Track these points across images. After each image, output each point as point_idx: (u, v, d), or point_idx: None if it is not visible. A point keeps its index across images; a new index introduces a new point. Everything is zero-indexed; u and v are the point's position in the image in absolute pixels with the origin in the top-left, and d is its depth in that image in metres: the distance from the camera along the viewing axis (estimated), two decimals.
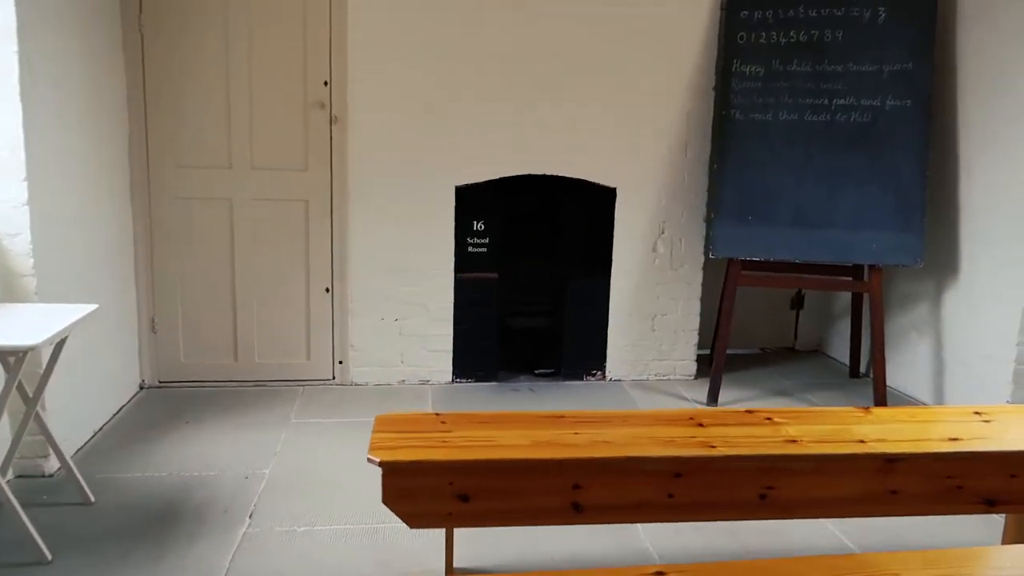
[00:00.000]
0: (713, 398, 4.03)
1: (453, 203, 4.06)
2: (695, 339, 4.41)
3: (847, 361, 4.76)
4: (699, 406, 4.03)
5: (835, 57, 3.91)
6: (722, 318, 4.02)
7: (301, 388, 4.10)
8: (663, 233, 4.26)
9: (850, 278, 4.34)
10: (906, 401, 4.18)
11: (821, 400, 4.14)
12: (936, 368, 4.05)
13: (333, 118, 3.93)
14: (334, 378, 4.17)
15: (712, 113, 4.18)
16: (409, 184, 4.01)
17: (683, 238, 4.28)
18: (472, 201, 4.12)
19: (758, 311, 4.94)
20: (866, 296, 4.38)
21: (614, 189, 4.18)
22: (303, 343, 4.13)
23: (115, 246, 3.66)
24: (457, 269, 4.13)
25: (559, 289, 4.33)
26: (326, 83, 3.90)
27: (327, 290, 4.09)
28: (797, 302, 5.05)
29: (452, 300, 4.15)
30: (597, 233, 4.31)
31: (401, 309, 4.12)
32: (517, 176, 4.08)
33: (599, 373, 4.35)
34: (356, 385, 4.16)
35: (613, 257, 4.25)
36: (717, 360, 4.03)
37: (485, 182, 4.07)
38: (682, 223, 4.26)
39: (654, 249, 4.27)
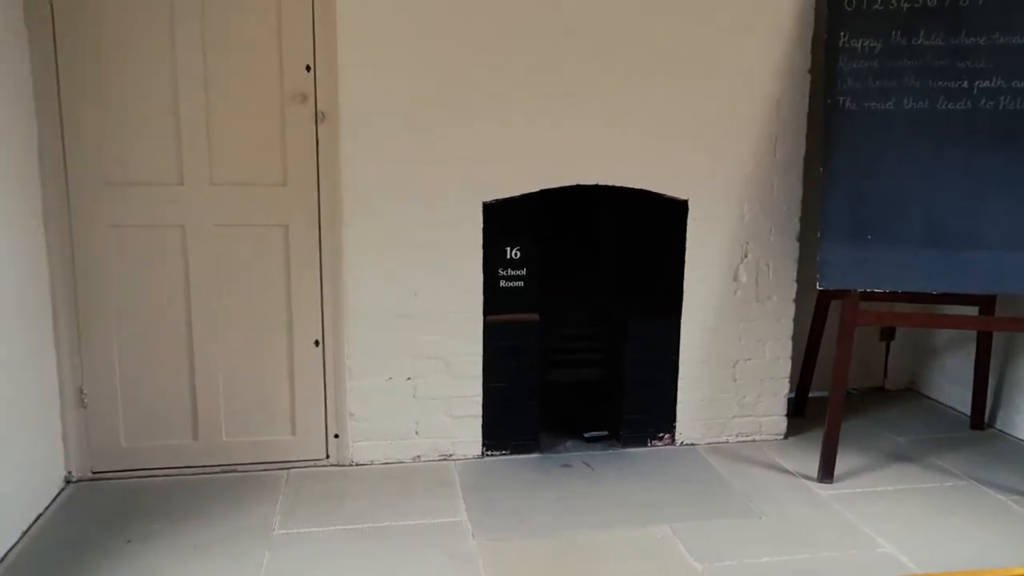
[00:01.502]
0: (827, 473, 3.11)
1: (480, 225, 3.09)
2: (785, 389, 3.49)
3: (953, 404, 3.89)
4: (807, 481, 3.10)
5: (976, 26, 3.01)
6: (837, 370, 3.09)
7: (285, 474, 3.10)
8: (746, 257, 3.33)
9: (977, 310, 3.46)
10: None
11: (958, 466, 3.24)
12: None
13: (319, 115, 2.94)
14: (328, 457, 3.17)
15: (807, 101, 3.27)
16: (422, 201, 3.03)
17: (771, 262, 3.35)
18: (504, 221, 3.15)
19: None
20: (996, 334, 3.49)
21: (685, 202, 3.24)
22: (286, 414, 3.13)
23: (22, 293, 2.64)
24: (486, 311, 3.16)
25: (616, 332, 3.38)
26: (309, 68, 2.91)
27: (317, 343, 3.09)
28: (888, 332, 4.15)
29: (480, 351, 3.18)
30: (664, 259, 3.37)
31: (415, 365, 3.14)
32: (561, 188, 3.13)
33: (667, 436, 3.41)
34: (358, 465, 3.16)
35: (684, 289, 3.31)
36: (830, 428, 3.10)
37: (520, 197, 3.11)
38: (770, 243, 3.34)
39: (735, 278, 3.34)
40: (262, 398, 3.10)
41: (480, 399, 3.21)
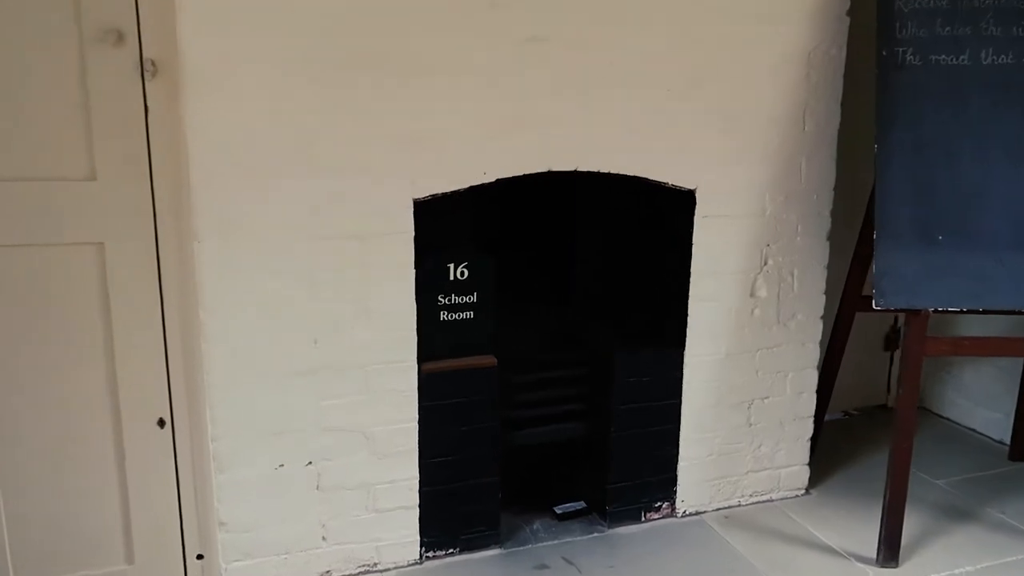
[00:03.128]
0: (891, 554, 2.33)
1: (410, 232, 2.08)
2: (808, 431, 2.69)
3: (975, 426, 3.25)
4: (862, 564, 2.32)
5: None
6: (903, 419, 2.29)
7: None
8: (766, 264, 2.48)
9: None
10: None
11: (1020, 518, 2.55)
12: None
13: (147, 66, 1.82)
14: None
15: (844, 55, 2.43)
16: (320, 200, 1.98)
17: (796, 270, 2.52)
18: (446, 227, 2.16)
19: None
20: None
21: (691, 193, 2.35)
22: (117, 533, 2.03)
23: None
24: (423, 356, 2.17)
25: (600, 370, 2.46)
26: None
27: (162, 423, 2.00)
28: (894, 340, 3.45)
29: (415, 414, 2.19)
30: (663, 270, 2.48)
31: (318, 443, 2.11)
32: (526, 177, 2.16)
33: (665, 505, 2.54)
34: None
35: (689, 310, 2.43)
36: (894, 498, 2.31)
37: (468, 191, 2.11)
38: (796, 245, 2.50)
39: (753, 293, 2.48)
40: (73, 513, 1.98)
41: (416, 482, 2.23)
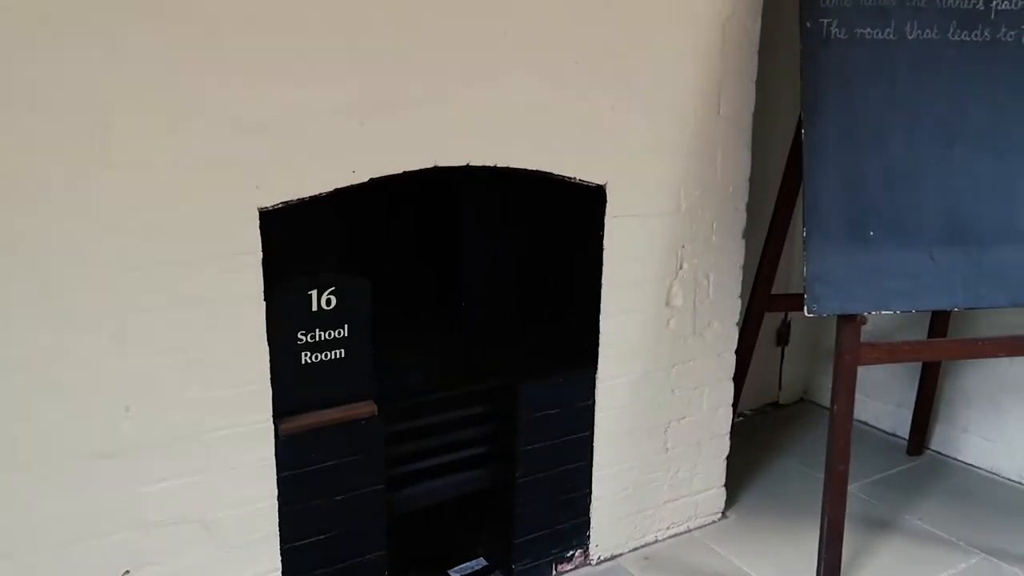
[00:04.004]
0: None
1: (256, 253, 1.55)
2: (725, 449, 2.42)
3: (866, 419, 3.14)
4: None
5: None
6: (836, 444, 2.05)
7: None
8: (681, 268, 2.16)
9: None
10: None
11: (949, 528, 2.41)
12: None
13: None
14: None
15: (758, 27, 2.13)
16: (123, 213, 1.41)
17: (711, 274, 2.22)
18: (304, 242, 1.65)
19: None
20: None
21: (600, 189, 1.97)
22: None
23: None
24: (279, 412, 1.65)
25: (501, 407, 2.03)
26: None
27: None
28: (784, 335, 3.29)
29: (273, 490, 1.67)
30: (570, 281, 2.09)
31: (138, 545, 1.54)
32: (406, 175, 1.69)
33: (578, 552, 2.18)
34: None
35: (601, 326, 2.06)
36: (832, 533, 2.08)
37: (332, 195, 1.61)
38: (712, 245, 2.20)
39: (668, 302, 2.16)
40: None
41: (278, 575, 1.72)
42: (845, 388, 2.02)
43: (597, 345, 2.07)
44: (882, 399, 3.10)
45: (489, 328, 2.16)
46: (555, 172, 1.89)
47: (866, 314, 1.98)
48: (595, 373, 2.08)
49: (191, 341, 1.51)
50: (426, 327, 2.11)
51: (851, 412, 2.04)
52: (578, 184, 1.93)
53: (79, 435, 1.44)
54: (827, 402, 3.28)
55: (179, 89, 1.42)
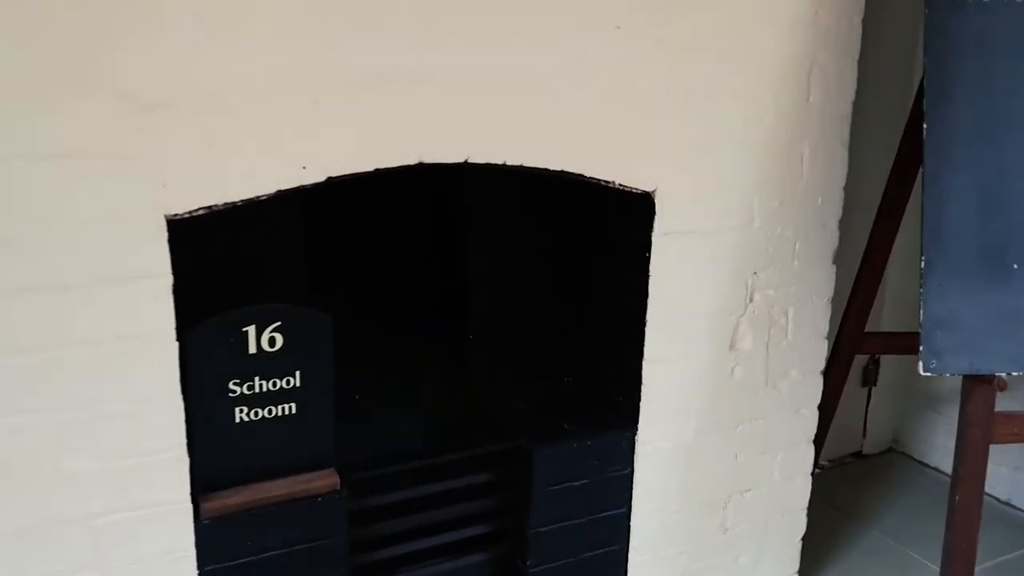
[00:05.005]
0: None
1: (164, 275, 1.13)
2: (801, 528, 1.92)
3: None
4: None
5: None
6: (955, 535, 1.54)
7: None
8: (752, 301, 1.67)
9: None
10: None
11: None
12: None
13: None
14: None
15: None
16: None
17: (791, 307, 1.72)
18: (236, 261, 1.23)
19: None
20: None
21: (647, 197, 1.50)
22: None
23: None
24: (204, 486, 1.24)
25: (508, 476, 1.57)
26: None
27: None
28: (873, 374, 2.74)
29: None
30: (606, 315, 1.63)
31: None
32: (377, 174, 1.25)
33: None
34: None
35: (644, 374, 1.58)
36: None
37: (276, 198, 1.18)
38: (793, 271, 1.70)
39: (733, 345, 1.67)
40: None
41: None
42: (972, 471, 1.50)
43: (638, 398, 1.60)
44: (995, 459, 2.53)
45: (496, 372, 1.71)
46: (586, 174, 1.43)
47: (1004, 376, 1.47)
48: (634, 434, 1.61)
49: (72, 394, 1.11)
50: (411, 370, 1.66)
51: (979, 503, 1.53)
52: (618, 190, 1.47)
53: None
54: (921, 455, 2.76)
55: (49, 51, 1.01)
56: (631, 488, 1.64)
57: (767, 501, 1.82)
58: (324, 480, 1.35)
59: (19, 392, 1.08)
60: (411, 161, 1.27)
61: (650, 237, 1.51)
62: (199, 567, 1.26)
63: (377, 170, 1.24)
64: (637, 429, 1.61)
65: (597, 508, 1.62)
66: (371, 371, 1.54)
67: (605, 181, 1.45)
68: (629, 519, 1.65)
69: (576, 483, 1.58)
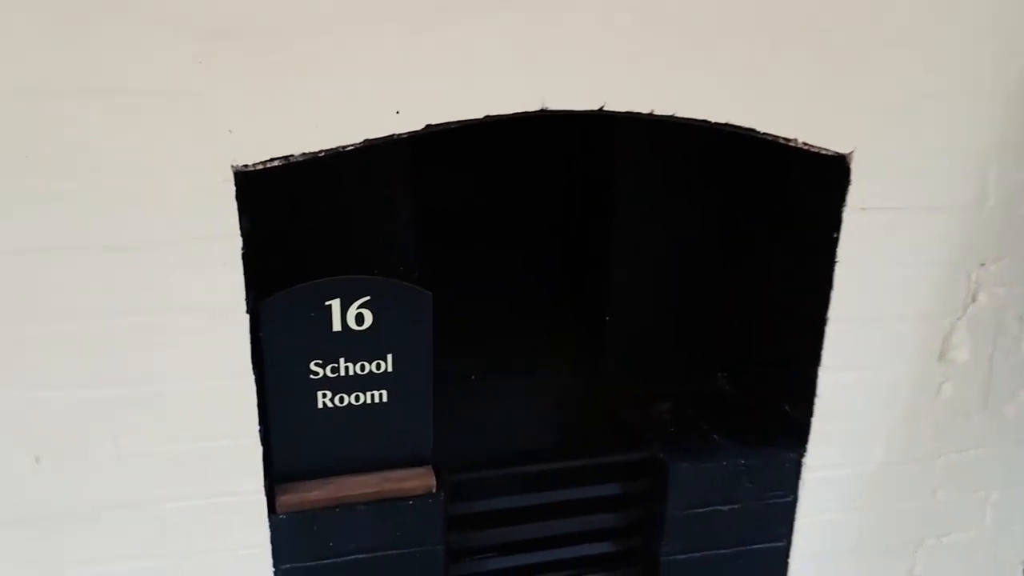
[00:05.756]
0: None
1: (233, 235, 0.96)
2: None
3: None
4: None
5: None
6: None
7: None
8: (975, 301, 1.28)
9: None
10: None
11: None
12: None
13: None
14: None
15: None
16: (13, 164, 0.89)
17: None
18: (315, 225, 1.05)
19: None
20: None
21: (840, 160, 1.15)
22: None
23: None
24: (278, 477, 1.10)
25: (638, 489, 1.32)
26: None
27: None
28: None
29: None
30: (773, 307, 1.32)
31: None
32: (495, 121, 1.01)
33: None
34: None
35: (819, 384, 1.26)
36: None
37: (363, 146, 0.98)
38: None
39: (944, 354, 1.29)
40: None
41: None
42: None
43: (810, 413, 1.28)
44: None
45: (634, 362, 1.44)
46: (759, 128, 1.11)
47: None
48: (801, 455, 1.30)
49: (129, 368, 0.98)
50: (530, 356, 1.43)
51: None
52: (801, 150, 1.14)
53: None
54: None
55: None
56: (793, 520, 1.33)
57: (974, 550, 1.45)
58: (418, 480, 1.17)
59: (74, 363, 0.96)
60: (532, 108, 1.02)
61: (841, 212, 1.17)
62: (275, 565, 1.12)
63: (488, 117, 1.01)
64: (806, 449, 1.30)
65: (748, 540, 1.33)
66: (482, 356, 1.34)
67: (784, 138, 1.13)
68: (787, 557, 1.35)
69: (723, 507, 1.30)
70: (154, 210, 0.93)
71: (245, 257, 0.97)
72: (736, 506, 1.31)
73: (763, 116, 1.10)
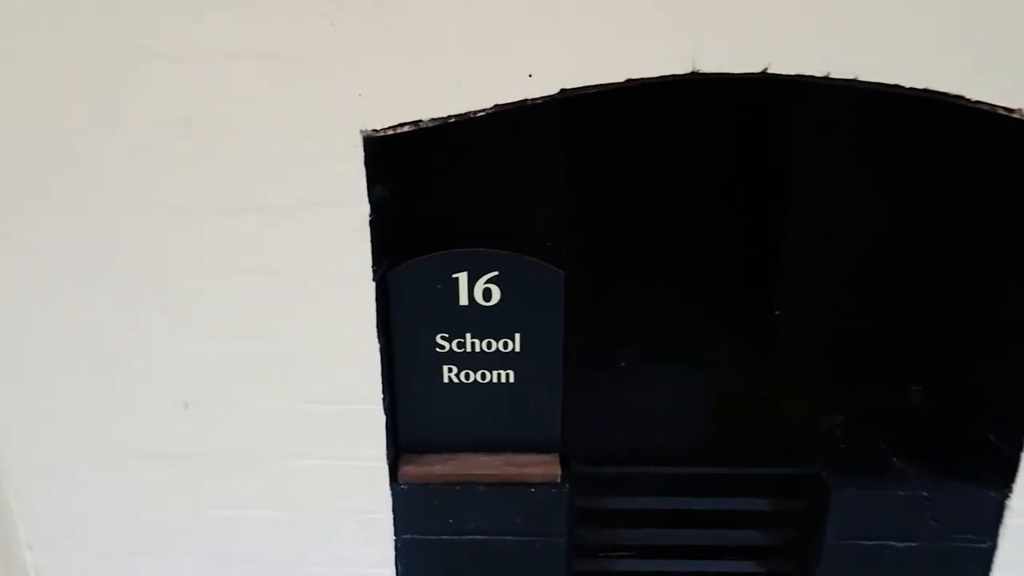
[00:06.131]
0: None
1: (358, 204, 0.96)
2: None
3: None
4: None
5: None
6: None
7: None
8: None
9: None
10: None
11: None
12: None
13: None
14: None
15: None
16: (166, 131, 0.94)
17: None
18: (443, 194, 1.01)
19: None
20: None
21: None
22: None
23: None
24: (403, 447, 1.09)
25: (790, 509, 1.17)
26: None
27: None
28: None
29: (389, 554, 1.13)
30: (977, 309, 1.10)
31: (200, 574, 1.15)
32: (632, 84, 0.91)
33: None
34: None
35: None
36: None
37: (494, 112, 0.92)
38: None
39: None
40: None
41: None
42: None
43: (1020, 445, 1.05)
44: None
45: (804, 365, 1.27)
46: (969, 96, 0.91)
47: None
48: (1006, 496, 1.08)
49: (260, 328, 1.01)
50: (683, 348, 1.30)
51: None
52: (1016, 121, 0.92)
53: (122, 430, 1.07)
54: None
55: None
56: (988, 571, 1.11)
57: None
58: (542, 467, 1.11)
59: (217, 319, 1.01)
60: (681, 70, 0.91)
61: None
62: (396, 533, 1.12)
63: (630, 81, 0.91)
64: (1012, 490, 1.07)
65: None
66: (636, 342, 1.24)
67: (1004, 108, 0.92)
68: None
69: (897, 543, 1.11)
70: (283, 174, 0.94)
71: (372, 224, 0.96)
72: (913, 544, 1.11)
73: (972, 82, 0.90)
